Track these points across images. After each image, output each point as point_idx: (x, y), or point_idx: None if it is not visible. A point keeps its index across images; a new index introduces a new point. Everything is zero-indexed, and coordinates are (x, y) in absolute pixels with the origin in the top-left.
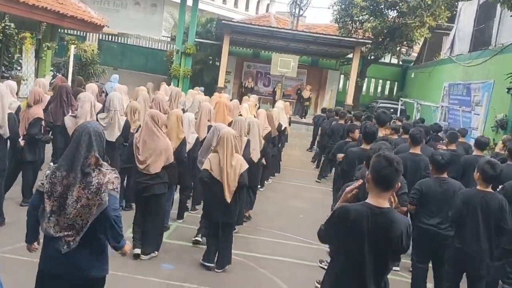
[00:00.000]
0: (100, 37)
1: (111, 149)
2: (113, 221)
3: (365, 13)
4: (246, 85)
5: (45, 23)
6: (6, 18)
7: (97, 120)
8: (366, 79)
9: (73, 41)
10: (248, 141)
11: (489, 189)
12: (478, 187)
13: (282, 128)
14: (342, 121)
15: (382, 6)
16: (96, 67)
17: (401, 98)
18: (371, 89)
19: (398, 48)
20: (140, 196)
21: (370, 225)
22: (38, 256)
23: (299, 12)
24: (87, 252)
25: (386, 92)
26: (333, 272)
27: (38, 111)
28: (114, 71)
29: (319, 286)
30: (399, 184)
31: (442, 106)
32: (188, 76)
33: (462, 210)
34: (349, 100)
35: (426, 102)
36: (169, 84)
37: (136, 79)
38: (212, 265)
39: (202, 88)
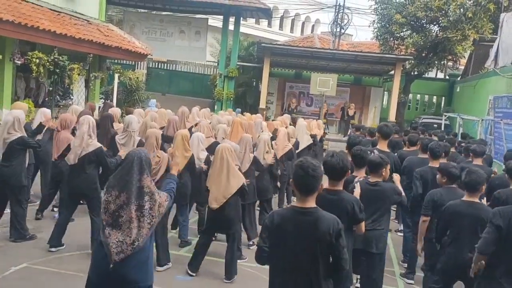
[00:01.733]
0: (150, 65)
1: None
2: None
3: (405, 29)
4: (290, 106)
5: (91, 54)
6: (55, 51)
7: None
8: (411, 95)
9: (118, 70)
10: (255, 157)
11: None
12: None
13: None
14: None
15: (423, 21)
16: (141, 93)
17: (444, 113)
18: (417, 105)
19: (442, 63)
20: None
21: (296, 225)
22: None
23: (340, 31)
24: (134, 264)
25: (433, 108)
26: (273, 282)
27: (67, 135)
28: (162, 96)
29: None
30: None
31: (482, 120)
32: (231, 99)
33: None
34: (392, 117)
35: (469, 116)
36: (210, 107)
37: (182, 104)
38: (193, 274)
39: (239, 110)
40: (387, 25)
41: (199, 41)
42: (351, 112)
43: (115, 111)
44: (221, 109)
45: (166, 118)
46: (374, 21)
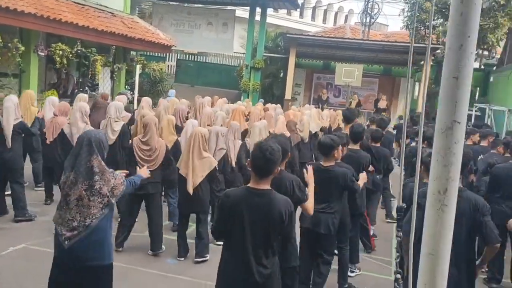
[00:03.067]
0: (180, 57)
1: (112, 152)
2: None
3: (436, 18)
4: (320, 97)
5: (114, 46)
6: (78, 43)
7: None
8: None
9: (141, 61)
10: (243, 144)
11: None
12: None
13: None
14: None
15: None
16: (165, 84)
17: (475, 104)
18: None
19: (476, 52)
20: (135, 195)
21: (249, 206)
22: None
23: (370, 20)
24: (88, 243)
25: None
26: (223, 256)
27: (63, 121)
28: (191, 88)
29: None
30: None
31: (509, 110)
32: (257, 90)
33: None
34: (420, 108)
35: (498, 106)
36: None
37: (210, 94)
38: (182, 259)
39: (262, 100)
40: (418, 14)
41: (227, 32)
42: (382, 104)
43: (122, 99)
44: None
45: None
46: (403, 9)
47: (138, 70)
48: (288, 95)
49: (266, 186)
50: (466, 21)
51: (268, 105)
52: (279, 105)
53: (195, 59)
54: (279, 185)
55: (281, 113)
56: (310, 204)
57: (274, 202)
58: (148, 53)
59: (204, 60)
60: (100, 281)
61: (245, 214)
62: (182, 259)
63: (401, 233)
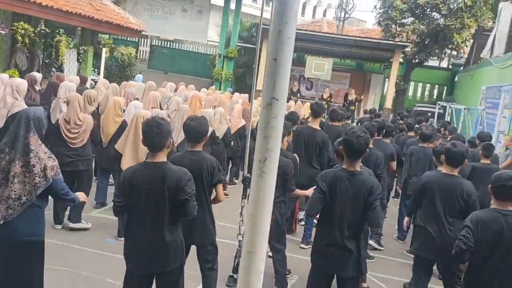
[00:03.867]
0: (154, 43)
1: (56, 132)
2: (63, 197)
3: (406, 16)
4: (292, 89)
5: (79, 28)
6: (42, 23)
7: None
8: (412, 83)
9: (109, 45)
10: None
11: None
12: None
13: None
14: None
15: (425, 8)
16: (133, 69)
17: (438, 102)
18: (418, 93)
19: (443, 51)
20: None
21: (145, 178)
22: None
23: (344, 16)
24: (23, 220)
25: (434, 96)
26: (128, 224)
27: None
28: (165, 75)
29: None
30: (171, 141)
31: (465, 109)
32: (230, 79)
33: None
34: (388, 104)
35: (457, 105)
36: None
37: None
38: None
39: (230, 89)
40: (389, 11)
41: (201, 20)
42: (350, 97)
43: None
44: (220, 89)
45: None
46: (375, 6)
47: (104, 53)
48: (260, 85)
49: (161, 158)
50: (284, 10)
51: (236, 94)
52: (246, 95)
53: (171, 46)
54: (199, 165)
55: (237, 102)
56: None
57: (169, 173)
58: (122, 38)
59: (180, 48)
60: (33, 256)
61: (142, 186)
62: (122, 238)
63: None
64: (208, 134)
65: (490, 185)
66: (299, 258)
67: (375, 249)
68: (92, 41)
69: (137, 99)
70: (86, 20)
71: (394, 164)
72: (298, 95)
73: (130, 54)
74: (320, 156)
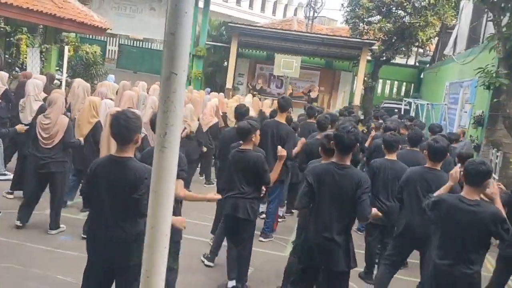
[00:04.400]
0: (123, 42)
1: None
2: None
3: (372, 14)
4: (255, 87)
5: (41, 26)
6: (1, 20)
7: None
8: (381, 80)
9: (73, 43)
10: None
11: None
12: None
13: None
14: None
15: (391, 6)
16: (98, 68)
17: (404, 98)
18: (387, 90)
19: (410, 49)
20: (38, 173)
21: (108, 172)
22: None
23: (313, 14)
24: None
25: (402, 93)
26: (90, 219)
27: None
28: (134, 74)
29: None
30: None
31: (427, 104)
32: (200, 78)
33: None
34: (357, 101)
35: (420, 101)
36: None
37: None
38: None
39: (208, 89)
40: (356, 9)
41: None
42: (313, 94)
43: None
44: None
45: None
46: (343, 4)
47: (67, 52)
48: (229, 84)
49: (128, 154)
50: None
51: (213, 93)
52: (222, 94)
53: (141, 45)
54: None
55: (209, 100)
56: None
57: (131, 168)
58: (90, 37)
59: (150, 46)
60: None
61: (104, 180)
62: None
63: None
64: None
65: (463, 171)
66: (256, 251)
67: None
68: (55, 40)
69: (111, 99)
70: (48, 17)
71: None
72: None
73: (95, 52)
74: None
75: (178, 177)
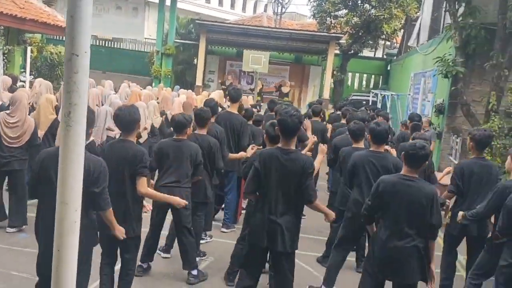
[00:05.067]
0: (91, 42)
1: None
2: None
3: (338, 8)
4: (224, 83)
5: (2, 27)
6: None
7: None
8: (349, 73)
9: (36, 43)
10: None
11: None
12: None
13: None
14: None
15: (357, 0)
16: (63, 68)
17: (371, 90)
18: (356, 83)
19: (376, 42)
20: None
21: (55, 162)
22: None
23: (281, 10)
24: None
25: (371, 86)
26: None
27: None
28: (103, 74)
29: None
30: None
31: (392, 95)
32: (169, 76)
33: None
34: (326, 95)
35: (384, 92)
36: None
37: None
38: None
39: (178, 87)
40: (322, 3)
41: (137, 17)
42: (285, 90)
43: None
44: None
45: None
46: None
47: (29, 53)
48: (199, 81)
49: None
50: None
51: (181, 90)
52: (190, 91)
53: (109, 45)
54: (125, 154)
55: (177, 96)
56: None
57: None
58: (57, 37)
59: (119, 46)
60: None
61: (50, 169)
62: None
63: None
64: (149, 126)
65: (403, 153)
66: (217, 242)
67: None
68: (18, 41)
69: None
70: (9, 18)
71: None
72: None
73: (60, 53)
74: (240, 140)
75: (140, 174)
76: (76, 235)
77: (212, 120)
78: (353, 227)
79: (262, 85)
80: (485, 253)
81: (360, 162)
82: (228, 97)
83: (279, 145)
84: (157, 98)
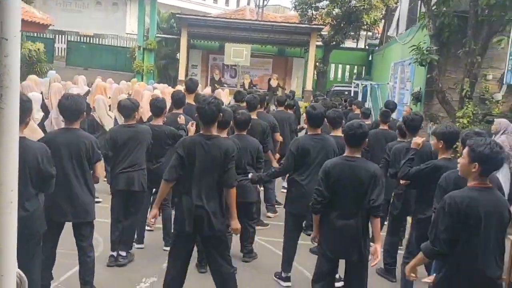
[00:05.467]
0: (72, 39)
1: None
2: None
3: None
4: (213, 78)
5: None
6: None
7: None
8: (332, 65)
9: None
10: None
11: None
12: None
13: None
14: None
15: None
16: (42, 65)
17: (353, 81)
18: (339, 74)
19: (358, 33)
20: None
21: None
22: None
23: (263, 3)
24: None
25: (354, 76)
26: None
27: None
28: (85, 71)
29: None
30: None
31: (371, 84)
32: (152, 71)
33: None
34: (309, 86)
35: (364, 82)
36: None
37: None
38: None
39: (152, 82)
40: None
41: (117, 12)
42: (273, 83)
43: None
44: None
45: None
46: None
47: None
48: (181, 76)
49: (21, 133)
50: None
51: (155, 84)
52: (165, 85)
53: (91, 41)
54: (76, 142)
55: (146, 89)
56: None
57: (24, 149)
58: (38, 35)
59: (101, 42)
60: None
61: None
62: None
63: None
64: (112, 120)
65: (343, 134)
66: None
67: (269, 217)
68: None
69: (42, 92)
70: None
71: (278, 135)
72: (219, 84)
73: (39, 50)
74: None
75: (99, 159)
76: (14, 216)
77: (181, 111)
78: (295, 213)
79: (251, 80)
80: (411, 231)
81: (306, 145)
82: (184, 87)
83: (201, 132)
84: (129, 93)
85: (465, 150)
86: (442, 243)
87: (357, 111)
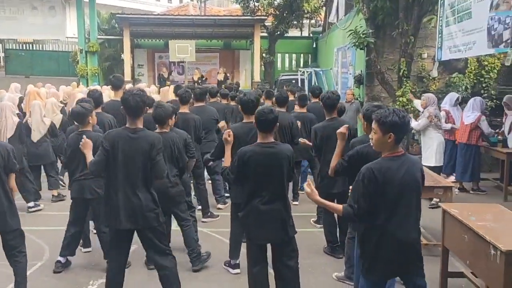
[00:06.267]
0: (10, 47)
1: None
2: None
3: None
4: (162, 76)
5: None
6: None
7: None
8: (278, 54)
9: None
10: (19, 122)
11: None
12: None
13: None
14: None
15: None
16: None
17: (299, 69)
18: (286, 64)
19: (301, 21)
20: None
21: None
22: None
23: None
24: None
25: (301, 65)
26: None
27: None
28: (26, 78)
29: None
30: None
31: (314, 71)
32: (96, 74)
33: None
34: (256, 77)
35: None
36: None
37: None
38: None
39: (95, 83)
40: None
41: (56, 17)
42: (220, 77)
43: None
44: (87, 86)
45: None
46: None
47: None
48: (127, 76)
49: None
50: None
51: (104, 87)
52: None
53: (31, 48)
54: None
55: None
56: None
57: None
58: None
59: (40, 48)
60: None
61: None
62: None
63: None
64: (47, 125)
65: (254, 120)
66: None
67: (219, 209)
68: None
69: None
70: None
71: (222, 123)
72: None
73: None
74: None
75: (11, 171)
76: None
77: (99, 110)
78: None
79: (202, 75)
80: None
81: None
82: (110, 85)
83: (127, 125)
84: (64, 99)
85: (375, 125)
86: (360, 210)
87: (292, 97)
